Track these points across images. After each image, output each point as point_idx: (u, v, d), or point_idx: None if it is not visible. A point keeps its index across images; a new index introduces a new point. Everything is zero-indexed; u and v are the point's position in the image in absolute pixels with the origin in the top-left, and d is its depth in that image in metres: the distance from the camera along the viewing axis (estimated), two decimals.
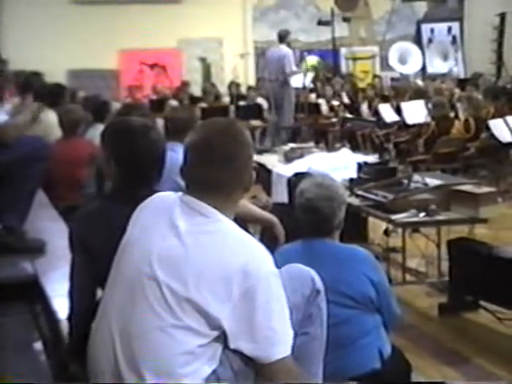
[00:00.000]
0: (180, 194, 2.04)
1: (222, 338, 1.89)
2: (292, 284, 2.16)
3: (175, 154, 3.52)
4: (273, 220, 3.13)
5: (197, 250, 1.89)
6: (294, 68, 9.70)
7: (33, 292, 2.84)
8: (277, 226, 3.10)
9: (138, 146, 2.38)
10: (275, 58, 9.76)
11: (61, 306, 2.48)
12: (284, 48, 9.75)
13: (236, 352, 1.90)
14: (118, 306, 1.95)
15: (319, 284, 2.27)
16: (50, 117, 5.23)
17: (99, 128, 4.41)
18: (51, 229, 3.54)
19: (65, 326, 2.35)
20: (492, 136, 8.11)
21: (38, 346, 2.51)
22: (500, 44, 14.88)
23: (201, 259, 1.87)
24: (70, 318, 2.31)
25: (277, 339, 1.89)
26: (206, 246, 1.89)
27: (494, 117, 8.68)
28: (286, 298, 1.98)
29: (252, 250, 1.92)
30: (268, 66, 9.93)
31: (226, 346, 1.90)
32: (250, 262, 1.87)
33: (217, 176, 1.98)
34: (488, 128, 8.24)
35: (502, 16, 14.80)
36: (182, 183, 2.09)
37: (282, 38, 9.89)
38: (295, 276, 2.24)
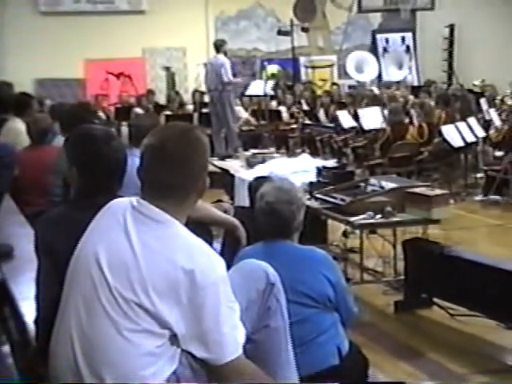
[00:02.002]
0: (133, 198, 2.01)
1: (176, 340, 1.90)
2: (246, 281, 2.21)
3: (138, 159, 3.60)
4: (235, 223, 3.10)
5: (146, 256, 1.87)
6: (231, 77, 9.69)
7: (0, 295, 2.82)
8: (239, 229, 3.07)
9: (99, 153, 2.40)
10: (213, 67, 9.79)
11: (28, 309, 2.48)
12: (221, 57, 9.74)
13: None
14: (75, 311, 1.94)
15: (273, 277, 2.30)
16: (18, 125, 5.26)
17: None
18: (18, 234, 3.52)
19: (32, 329, 2.35)
20: (444, 141, 8.34)
21: (6, 349, 2.50)
22: (450, 53, 15.33)
23: (150, 265, 1.86)
24: (36, 321, 2.32)
25: (226, 342, 1.88)
26: (155, 251, 1.88)
27: (445, 122, 8.93)
28: (240, 296, 2.01)
29: (200, 256, 1.90)
30: (208, 76, 9.97)
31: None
32: (198, 267, 1.86)
33: (170, 179, 1.96)
34: (440, 133, 8.47)
35: (452, 27, 15.26)
36: None
37: (218, 47, 9.88)
38: (249, 272, 2.28)
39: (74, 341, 1.92)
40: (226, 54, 9.93)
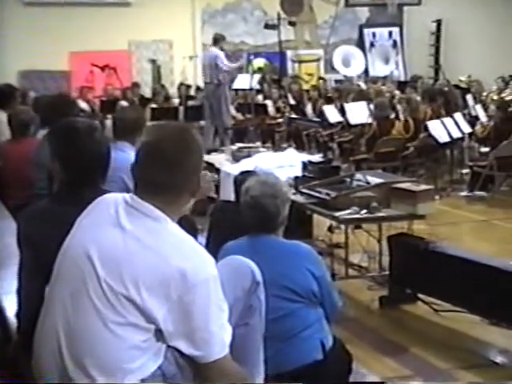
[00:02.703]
0: (126, 194, 2.02)
1: (162, 336, 1.90)
2: (233, 278, 2.21)
3: (123, 153, 3.56)
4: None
5: (137, 252, 1.88)
6: (228, 64, 9.75)
7: None
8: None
9: (82, 146, 2.40)
10: (208, 60, 9.81)
11: (10, 303, 2.48)
12: (216, 50, 9.77)
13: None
14: (61, 305, 1.94)
15: (259, 276, 2.31)
16: (1, 117, 5.21)
17: None
18: (1, 227, 3.52)
19: (14, 323, 2.35)
20: (430, 136, 8.36)
21: None
22: (437, 49, 15.41)
23: (141, 260, 1.87)
24: (18, 315, 2.32)
25: (213, 341, 1.90)
26: (147, 247, 1.89)
27: (431, 118, 8.95)
28: (227, 294, 2.01)
29: (192, 254, 1.91)
30: (204, 69, 9.99)
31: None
32: (189, 265, 1.87)
33: (164, 179, 1.97)
34: (426, 128, 8.49)
35: (438, 22, 15.32)
36: (130, 183, 2.10)
37: (216, 41, 9.95)
38: (235, 270, 2.29)
39: (59, 334, 1.92)
40: (222, 48, 9.94)
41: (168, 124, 2.19)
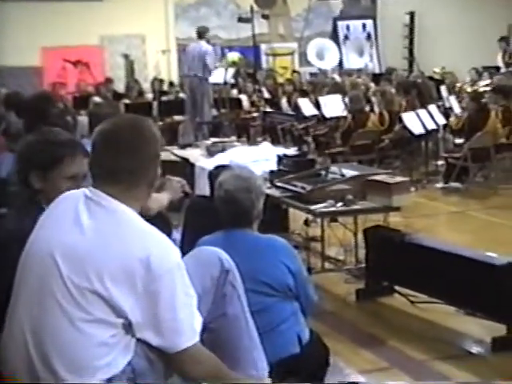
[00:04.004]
0: (85, 189, 2.03)
1: (130, 328, 1.89)
2: (200, 269, 2.21)
3: None
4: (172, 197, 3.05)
5: (99, 244, 1.89)
6: (218, 63, 9.73)
7: None
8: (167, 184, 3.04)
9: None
10: (195, 54, 9.75)
11: None
12: (204, 44, 9.75)
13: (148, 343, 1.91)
14: (26, 306, 1.94)
15: (227, 263, 2.30)
16: None
17: None
18: None
19: None
20: (405, 128, 8.39)
21: None
22: (411, 41, 15.50)
23: (103, 253, 1.88)
24: None
25: (182, 330, 1.91)
26: (108, 239, 1.89)
27: (406, 110, 8.99)
28: (195, 285, 2.00)
29: (155, 243, 1.92)
30: (187, 62, 9.91)
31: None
32: (152, 254, 1.87)
33: (120, 165, 1.99)
34: (401, 121, 8.53)
35: (412, 14, 15.40)
36: None
37: (201, 34, 9.90)
38: (203, 260, 2.28)
39: (25, 335, 1.91)
40: (208, 41, 9.89)
41: (124, 115, 2.21)
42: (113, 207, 1.95)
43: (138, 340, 1.91)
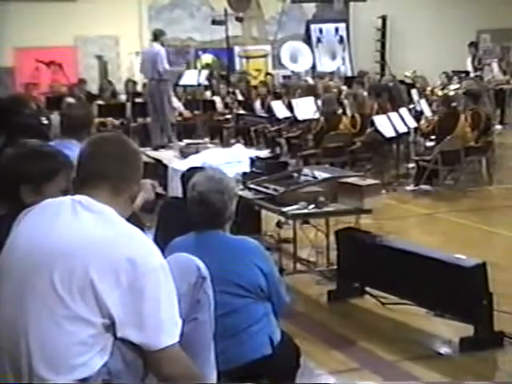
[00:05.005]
0: (69, 196, 2.08)
1: (112, 327, 1.92)
2: (179, 274, 2.22)
3: (70, 151, 3.50)
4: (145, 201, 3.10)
5: (86, 242, 1.93)
6: (167, 66, 9.63)
7: None
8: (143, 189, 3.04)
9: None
10: (149, 56, 9.67)
11: None
12: (157, 46, 9.63)
13: (127, 343, 1.94)
14: (8, 305, 1.96)
15: (204, 271, 2.35)
16: None
17: None
18: None
19: None
20: (376, 131, 8.46)
21: None
22: (383, 44, 15.66)
23: (90, 250, 1.91)
24: None
25: (164, 328, 1.94)
26: (96, 237, 1.94)
27: (377, 113, 9.07)
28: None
29: (140, 244, 1.98)
30: (143, 66, 9.83)
31: (116, 338, 1.94)
32: (137, 254, 1.93)
33: (107, 171, 2.09)
34: (373, 123, 8.60)
35: (384, 18, 15.57)
36: None
37: (157, 36, 9.75)
38: (181, 265, 2.31)
39: (8, 332, 1.93)
40: (162, 44, 9.82)
41: (108, 133, 2.32)
42: (100, 209, 2.02)
43: (115, 341, 1.93)
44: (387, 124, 8.45)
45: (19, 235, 2.05)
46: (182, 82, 11.54)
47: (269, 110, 10.98)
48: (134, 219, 2.16)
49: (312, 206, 4.69)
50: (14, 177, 2.46)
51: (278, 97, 11.75)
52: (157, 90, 9.52)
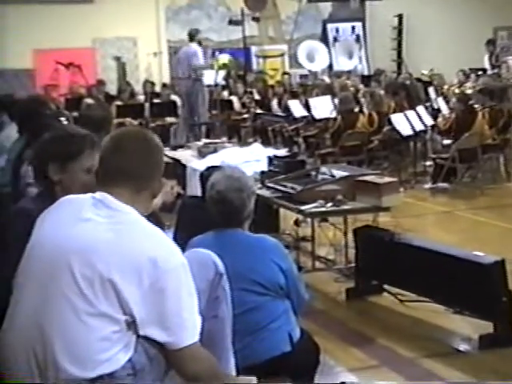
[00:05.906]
0: (90, 193, 2.11)
1: (134, 325, 1.94)
2: (196, 271, 2.23)
3: None
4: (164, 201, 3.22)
5: (109, 241, 1.95)
6: (202, 63, 9.75)
7: None
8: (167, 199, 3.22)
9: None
10: (186, 56, 9.79)
11: None
12: (194, 46, 9.81)
13: (150, 339, 1.96)
14: (31, 303, 1.98)
15: (221, 267, 2.36)
16: None
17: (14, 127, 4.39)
18: None
19: None
20: (394, 129, 8.45)
21: None
22: (399, 43, 15.58)
23: (113, 248, 1.94)
24: None
25: (186, 326, 1.97)
26: (118, 236, 1.96)
27: (394, 111, 9.06)
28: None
29: (161, 243, 2.00)
30: (180, 65, 9.95)
31: (139, 336, 1.96)
32: (159, 253, 1.95)
33: (129, 167, 2.09)
34: (390, 122, 8.58)
35: (400, 17, 15.50)
36: None
37: (193, 36, 9.99)
38: (199, 261, 2.32)
39: (30, 326, 1.95)
40: (200, 43, 9.94)
41: (130, 127, 2.31)
42: (121, 208, 2.03)
43: (138, 338, 1.95)
44: (404, 122, 8.43)
45: (42, 233, 2.08)
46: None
47: (286, 109, 10.98)
48: (153, 218, 2.19)
49: (330, 204, 4.69)
50: (44, 156, 2.67)
51: (294, 96, 11.75)
52: (193, 89, 9.61)
